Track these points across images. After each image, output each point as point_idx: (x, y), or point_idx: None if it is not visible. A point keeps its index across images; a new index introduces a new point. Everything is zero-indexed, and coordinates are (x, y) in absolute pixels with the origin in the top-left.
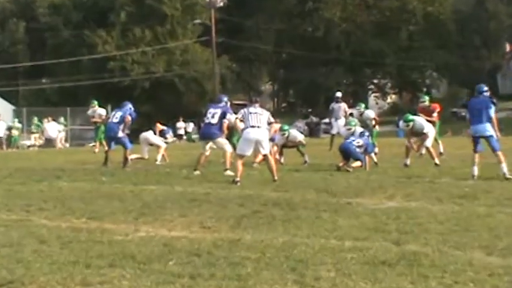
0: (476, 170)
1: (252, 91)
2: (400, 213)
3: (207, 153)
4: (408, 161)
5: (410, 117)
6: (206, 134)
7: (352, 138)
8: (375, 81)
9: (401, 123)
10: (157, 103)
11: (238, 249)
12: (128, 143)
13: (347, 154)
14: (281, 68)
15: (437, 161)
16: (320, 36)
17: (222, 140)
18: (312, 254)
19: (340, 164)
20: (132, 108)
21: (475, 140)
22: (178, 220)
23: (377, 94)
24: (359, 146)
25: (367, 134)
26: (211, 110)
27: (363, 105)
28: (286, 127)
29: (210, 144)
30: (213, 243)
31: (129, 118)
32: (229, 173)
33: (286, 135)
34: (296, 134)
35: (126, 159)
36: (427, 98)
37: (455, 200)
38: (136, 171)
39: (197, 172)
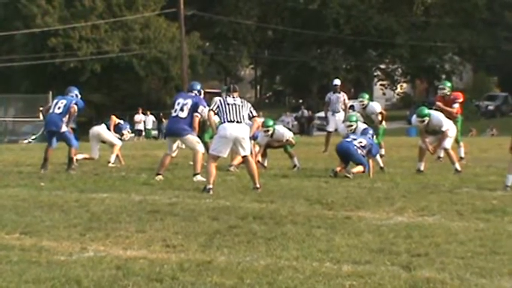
0: (511, 180)
1: (228, 77)
2: (412, 231)
3: (174, 154)
4: (422, 166)
5: (426, 111)
6: (173, 130)
7: (352, 136)
8: (382, 66)
9: (414, 118)
10: (110, 90)
11: (209, 273)
12: (74, 140)
13: (346, 156)
14: (266, 49)
15: (457, 166)
16: (314, 10)
17: (193, 138)
18: (302, 281)
19: (338, 169)
20: (79, 96)
21: None
22: (136, 236)
23: (384, 82)
24: (361, 147)
25: (371, 132)
26: (180, 101)
27: (367, 96)
28: (270, 122)
29: (178, 143)
30: (179, 265)
31: (75, 108)
32: (199, 178)
33: (270, 133)
34: (283, 131)
35: (71, 159)
36: (448, 84)
37: (480, 215)
38: (84, 175)
39: (160, 177)
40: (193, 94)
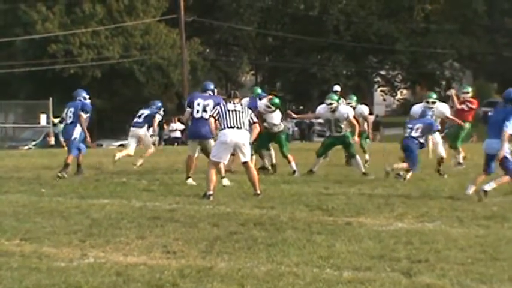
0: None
1: (229, 83)
2: (412, 237)
3: (196, 155)
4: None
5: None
6: (200, 134)
7: (410, 125)
8: (382, 72)
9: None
10: (111, 96)
11: (210, 280)
12: (75, 149)
13: (407, 152)
14: (266, 55)
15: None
16: (314, 16)
17: (212, 142)
18: (302, 287)
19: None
20: (87, 97)
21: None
22: (136, 243)
23: (384, 88)
24: (420, 135)
25: (430, 112)
26: (200, 101)
27: (355, 98)
28: (335, 97)
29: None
30: (179, 272)
31: (83, 116)
32: (226, 182)
33: (333, 107)
34: (346, 111)
35: (66, 164)
36: (470, 89)
37: (480, 221)
38: (84, 181)
39: (190, 181)
40: (209, 94)
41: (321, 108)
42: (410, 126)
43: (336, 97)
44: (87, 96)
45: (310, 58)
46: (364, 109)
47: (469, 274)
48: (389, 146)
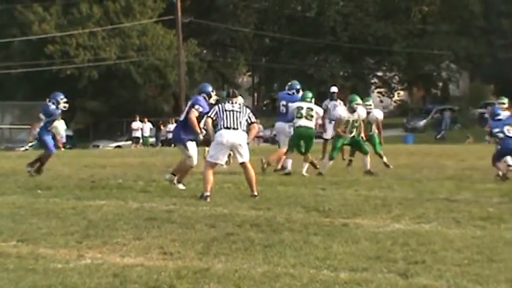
0: None
1: (226, 84)
2: (409, 238)
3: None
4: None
5: None
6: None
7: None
8: (379, 73)
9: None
10: (108, 98)
11: (206, 281)
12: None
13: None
14: (263, 56)
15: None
16: (311, 17)
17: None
18: None
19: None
20: (60, 101)
21: None
22: (133, 244)
23: (381, 90)
24: None
25: None
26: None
27: (371, 100)
28: (371, 100)
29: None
30: (176, 273)
31: (43, 118)
32: (181, 187)
33: (372, 107)
34: (379, 115)
35: (37, 160)
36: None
37: (477, 222)
38: (81, 183)
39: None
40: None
41: (341, 111)
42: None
43: (371, 99)
44: (63, 100)
45: (307, 59)
46: (378, 113)
47: (465, 275)
48: (388, 147)
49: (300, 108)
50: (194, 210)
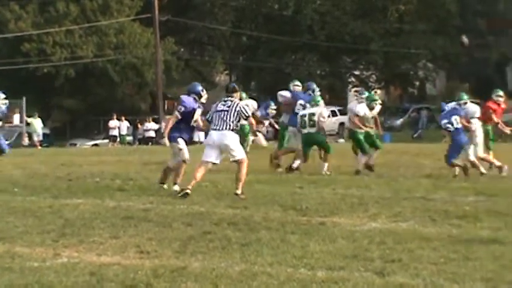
0: None
1: (203, 82)
2: (385, 237)
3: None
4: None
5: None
6: None
7: None
8: (356, 72)
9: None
10: (85, 96)
11: (184, 279)
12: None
13: None
14: (240, 55)
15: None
16: (289, 16)
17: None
18: (276, 287)
19: None
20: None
21: None
22: (110, 243)
23: (358, 89)
24: None
25: None
26: None
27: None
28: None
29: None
30: (153, 272)
31: None
32: (176, 188)
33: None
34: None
35: None
36: (502, 92)
37: (453, 221)
38: (57, 181)
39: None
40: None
41: (361, 108)
42: None
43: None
44: (2, 97)
45: (285, 58)
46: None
47: (441, 273)
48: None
49: (303, 116)
50: (171, 209)
